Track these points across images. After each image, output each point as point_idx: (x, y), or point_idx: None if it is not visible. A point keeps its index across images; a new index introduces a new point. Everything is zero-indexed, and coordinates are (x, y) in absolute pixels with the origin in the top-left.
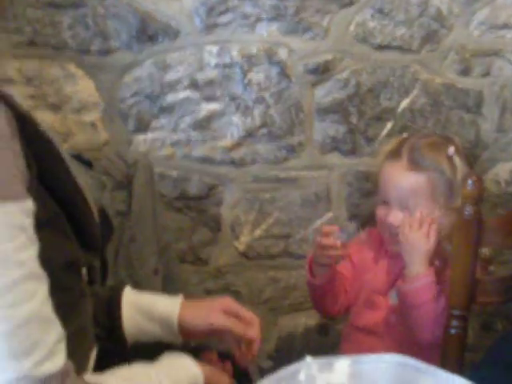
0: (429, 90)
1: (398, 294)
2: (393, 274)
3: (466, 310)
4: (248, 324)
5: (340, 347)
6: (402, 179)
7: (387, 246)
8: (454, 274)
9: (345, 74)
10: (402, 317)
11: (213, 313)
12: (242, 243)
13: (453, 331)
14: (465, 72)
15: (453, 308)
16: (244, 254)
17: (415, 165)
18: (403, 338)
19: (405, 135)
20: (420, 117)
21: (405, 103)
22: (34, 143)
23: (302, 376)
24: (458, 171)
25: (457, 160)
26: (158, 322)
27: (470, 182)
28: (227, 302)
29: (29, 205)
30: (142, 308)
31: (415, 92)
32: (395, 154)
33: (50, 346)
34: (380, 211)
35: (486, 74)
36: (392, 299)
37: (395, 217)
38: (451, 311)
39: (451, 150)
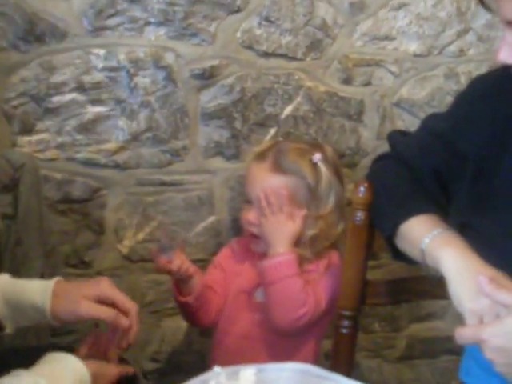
0: (312, 98)
1: (259, 272)
2: (257, 276)
3: (357, 311)
4: (124, 311)
5: (212, 356)
6: (263, 180)
7: (251, 245)
8: (345, 276)
9: (230, 80)
10: (265, 299)
11: (83, 302)
12: (125, 246)
13: (344, 331)
14: (347, 81)
15: (344, 309)
16: (127, 257)
17: (278, 167)
18: (270, 337)
19: (278, 139)
20: (303, 123)
21: (288, 110)
22: None
23: None
24: (322, 179)
25: (322, 168)
26: (30, 310)
27: (361, 188)
28: (102, 287)
29: None
30: (12, 295)
31: (299, 99)
32: (262, 155)
33: None
34: (244, 210)
35: (368, 83)
36: (258, 297)
37: (255, 215)
38: (342, 312)
39: (316, 156)
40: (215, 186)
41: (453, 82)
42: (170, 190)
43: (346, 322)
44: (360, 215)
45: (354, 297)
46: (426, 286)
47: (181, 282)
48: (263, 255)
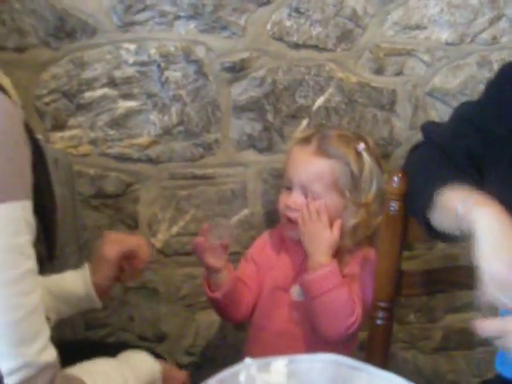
0: (344, 89)
1: (302, 286)
2: (293, 270)
3: (392, 302)
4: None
5: (247, 350)
6: (307, 163)
7: (285, 232)
8: (380, 268)
9: (261, 73)
10: (308, 312)
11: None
12: (159, 240)
13: (379, 322)
14: (379, 71)
15: (379, 300)
16: (161, 251)
17: (322, 151)
18: (308, 336)
19: (321, 125)
20: (335, 115)
21: (320, 101)
22: (32, 151)
23: (242, 377)
24: (365, 168)
25: (365, 157)
26: (74, 296)
27: (395, 178)
28: (112, 238)
29: (31, 205)
30: (54, 287)
31: (330, 90)
32: (306, 139)
33: (48, 336)
34: (282, 196)
35: (399, 72)
36: (294, 295)
37: (295, 200)
38: (377, 303)
39: (361, 145)
40: (248, 179)
41: (486, 70)
42: (203, 183)
43: (381, 313)
44: (394, 205)
45: (389, 288)
46: (462, 276)
47: (210, 273)
48: (297, 250)
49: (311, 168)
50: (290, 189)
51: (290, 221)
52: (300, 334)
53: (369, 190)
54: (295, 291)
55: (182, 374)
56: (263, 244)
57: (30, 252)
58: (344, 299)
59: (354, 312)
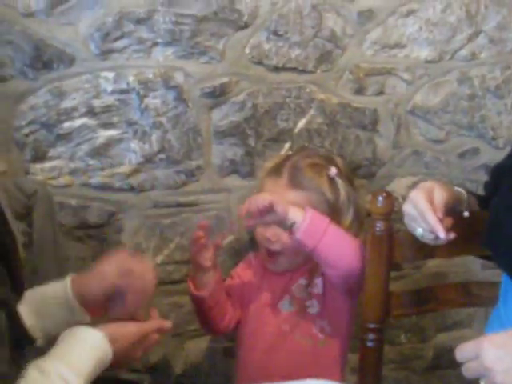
0: (325, 110)
1: (298, 243)
2: (280, 288)
3: (382, 324)
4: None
5: (236, 375)
6: (283, 195)
7: (267, 265)
8: (368, 289)
9: (241, 97)
10: (316, 258)
11: (106, 267)
12: None
13: (370, 344)
14: (360, 91)
15: (369, 322)
16: None
17: (296, 183)
18: (296, 348)
19: (287, 153)
20: (317, 136)
21: (301, 123)
22: None
23: None
24: (340, 193)
25: (339, 182)
26: (55, 304)
27: (380, 198)
28: (119, 260)
29: None
30: (35, 301)
31: (312, 112)
32: (276, 171)
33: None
34: (259, 229)
35: (380, 92)
36: (282, 308)
37: (274, 232)
38: (367, 325)
39: (333, 171)
40: (232, 205)
41: (466, 87)
42: (187, 210)
43: (371, 335)
44: (380, 225)
45: (379, 309)
46: (451, 294)
47: (197, 271)
48: (281, 275)
49: (287, 200)
50: None
51: (271, 254)
52: (287, 345)
53: (347, 213)
54: (283, 305)
55: (131, 328)
56: (248, 263)
57: None
58: (340, 229)
59: (353, 239)
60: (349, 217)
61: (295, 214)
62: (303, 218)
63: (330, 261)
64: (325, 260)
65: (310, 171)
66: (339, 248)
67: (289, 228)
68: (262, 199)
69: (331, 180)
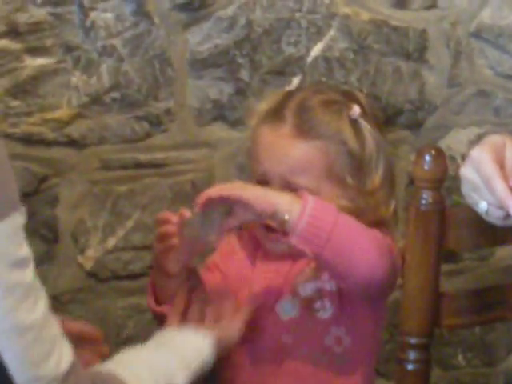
0: (351, 31)
1: (296, 245)
2: (277, 281)
3: (429, 338)
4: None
5: None
6: (287, 148)
7: (264, 245)
8: (408, 288)
9: (230, 10)
10: (325, 269)
11: None
12: (89, 259)
13: (410, 367)
14: (401, 3)
15: (409, 335)
16: (93, 274)
17: (304, 130)
18: (308, 368)
19: (290, 88)
20: (339, 68)
21: (317, 49)
22: None
23: None
24: (366, 140)
25: (364, 125)
26: None
27: (427, 157)
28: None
29: None
30: None
31: (332, 33)
32: (276, 114)
33: (60, 336)
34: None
35: (432, 5)
36: (282, 313)
37: None
38: (407, 339)
39: (355, 109)
40: (216, 166)
41: None
42: (151, 173)
43: (413, 354)
44: (427, 196)
45: (424, 317)
46: None
47: (160, 277)
48: (279, 256)
49: (294, 155)
50: (262, 183)
51: (271, 230)
52: (294, 366)
53: (376, 169)
54: (283, 307)
55: (236, 324)
56: (231, 250)
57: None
58: (355, 223)
59: (376, 234)
60: (377, 176)
61: (286, 206)
62: (300, 211)
63: (341, 271)
64: (333, 269)
65: (326, 111)
66: (353, 252)
67: (280, 226)
68: (213, 191)
69: (354, 123)
